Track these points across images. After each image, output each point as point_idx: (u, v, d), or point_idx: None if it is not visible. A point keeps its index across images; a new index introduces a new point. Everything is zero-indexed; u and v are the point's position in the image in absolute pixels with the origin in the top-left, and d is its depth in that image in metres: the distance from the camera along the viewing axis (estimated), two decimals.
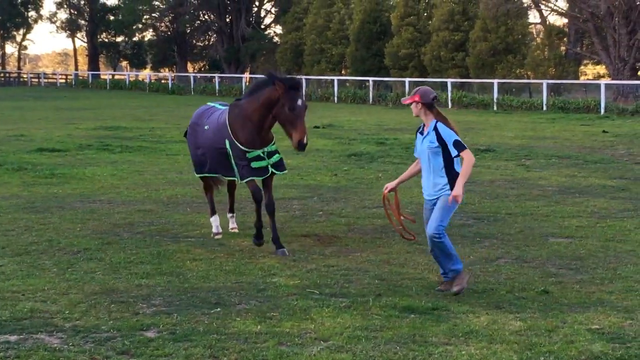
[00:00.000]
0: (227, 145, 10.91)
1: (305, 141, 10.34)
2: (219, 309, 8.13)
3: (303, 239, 11.57)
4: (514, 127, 31.92)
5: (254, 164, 10.77)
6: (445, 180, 8.66)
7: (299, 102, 10.48)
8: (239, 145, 10.79)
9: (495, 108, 44.74)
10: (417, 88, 8.82)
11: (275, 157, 10.97)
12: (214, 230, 11.78)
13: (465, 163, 8.56)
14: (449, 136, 8.55)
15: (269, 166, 10.86)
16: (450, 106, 46.96)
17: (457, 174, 8.63)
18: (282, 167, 11.12)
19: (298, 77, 11.18)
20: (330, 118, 36.08)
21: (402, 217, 9.34)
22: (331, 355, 6.79)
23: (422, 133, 8.75)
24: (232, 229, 12.11)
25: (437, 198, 8.68)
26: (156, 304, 8.35)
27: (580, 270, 9.78)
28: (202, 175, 11.93)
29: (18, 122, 33.72)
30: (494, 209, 13.85)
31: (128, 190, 15.96)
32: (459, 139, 8.59)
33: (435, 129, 8.59)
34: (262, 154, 10.81)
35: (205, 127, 11.44)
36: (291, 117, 10.45)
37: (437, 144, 8.57)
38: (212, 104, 12.05)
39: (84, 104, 49.03)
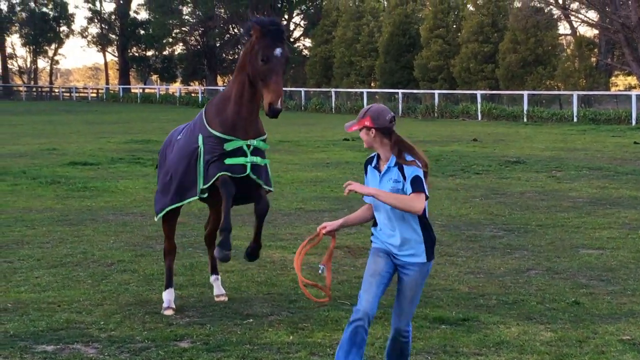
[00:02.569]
0: (200, 142, 8.15)
1: (278, 105, 7.59)
2: (251, 320, 8.22)
3: (334, 250, 11.61)
4: (544, 139, 31.82)
5: (229, 160, 7.97)
6: (419, 236, 6.18)
7: (277, 50, 7.72)
8: (215, 133, 8.05)
9: (525, 120, 44.64)
10: (367, 107, 6.39)
11: (259, 160, 8.11)
12: (165, 304, 8.71)
13: (408, 197, 6.05)
14: (412, 170, 6.13)
15: (248, 165, 8.04)
16: (480, 118, 46.91)
17: (431, 228, 6.27)
18: (264, 177, 8.26)
19: (281, 22, 8.17)
20: None
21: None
22: None
23: (377, 168, 6.36)
24: (218, 297, 9.12)
25: (408, 264, 6.20)
26: (189, 314, 8.46)
27: (611, 282, 9.77)
28: (165, 210, 8.63)
29: (50, 136, 34.07)
30: (524, 221, 13.84)
31: None
32: (421, 177, 6.12)
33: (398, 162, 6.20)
34: (245, 148, 8.02)
35: (178, 137, 8.80)
36: (263, 71, 7.69)
37: (402, 182, 6.15)
38: None
39: (115, 118, 49.42)
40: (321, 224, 6.54)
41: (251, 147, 8.06)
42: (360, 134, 6.38)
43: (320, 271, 6.55)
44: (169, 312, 8.57)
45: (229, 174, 7.98)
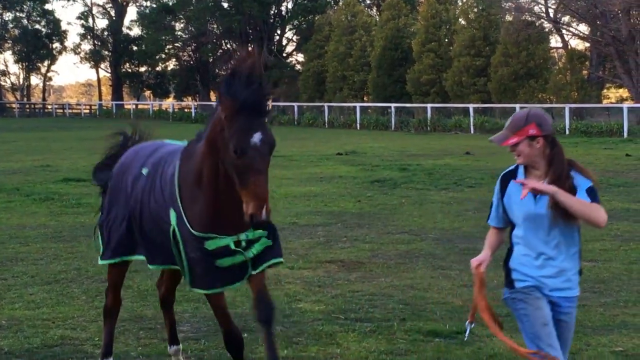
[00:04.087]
0: (173, 221, 6.12)
1: (263, 216, 5.42)
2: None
3: (328, 264, 11.65)
4: None
5: (220, 262, 6.02)
6: (576, 265, 5.45)
7: (256, 136, 5.49)
8: (189, 227, 6.02)
9: None
10: (524, 113, 5.24)
11: (260, 244, 6.15)
12: None
13: (593, 204, 5.14)
14: (584, 182, 5.18)
15: (248, 263, 6.15)
16: (472, 131, 47.01)
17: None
18: (268, 256, 6.28)
19: (265, 88, 5.67)
20: (353, 145, 36.20)
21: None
22: None
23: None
24: None
25: (563, 299, 5.40)
26: (184, 330, 8.47)
27: (603, 294, 9.81)
28: (112, 260, 7.06)
29: (44, 152, 34.06)
30: None
31: None
32: (596, 190, 5.20)
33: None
34: (231, 245, 6.00)
35: (143, 171, 6.66)
36: (238, 166, 5.50)
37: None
38: (170, 142, 7.14)
39: (109, 134, 49.32)
40: (472, 264, 5.62)
41: (244, 241, 6.03)
42: (518, 147, 5.20)
43: (467, 333, 5.80)
44: None
45: (226, 287, 6.18)
